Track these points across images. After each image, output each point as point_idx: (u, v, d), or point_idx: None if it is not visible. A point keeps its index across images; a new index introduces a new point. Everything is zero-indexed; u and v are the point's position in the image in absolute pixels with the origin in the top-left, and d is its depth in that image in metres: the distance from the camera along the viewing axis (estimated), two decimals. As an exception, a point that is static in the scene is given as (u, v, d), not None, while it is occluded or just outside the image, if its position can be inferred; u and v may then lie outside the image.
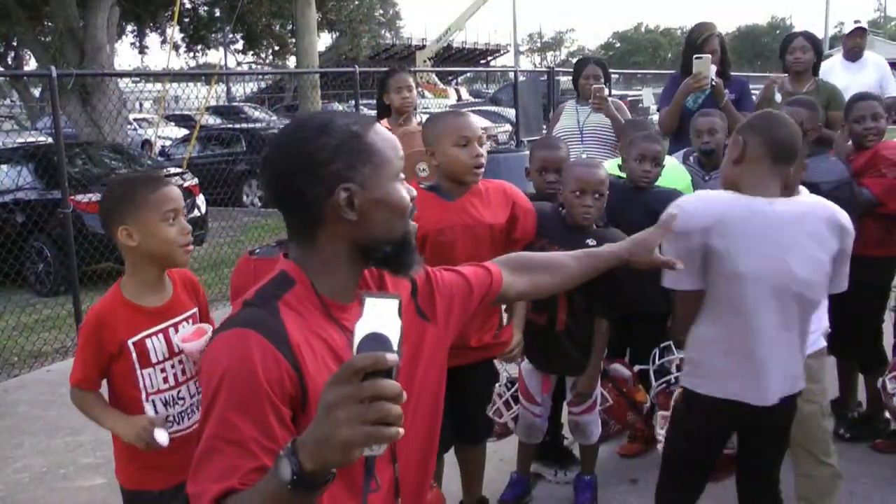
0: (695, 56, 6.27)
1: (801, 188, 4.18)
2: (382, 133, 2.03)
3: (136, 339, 3.10)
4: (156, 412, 3.14)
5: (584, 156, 6.27)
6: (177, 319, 3.22)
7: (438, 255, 3.72)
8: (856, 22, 8.91)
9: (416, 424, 2.16)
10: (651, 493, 3.71)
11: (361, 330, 1.52)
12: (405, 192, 2.05)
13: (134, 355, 3.10)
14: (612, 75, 7.40)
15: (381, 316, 1.54)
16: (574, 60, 7.96)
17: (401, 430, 1.49)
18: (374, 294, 1.59)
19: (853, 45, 8.62)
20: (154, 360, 3.14)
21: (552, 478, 5.17)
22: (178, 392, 3.21)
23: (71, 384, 3.15)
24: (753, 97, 7.08)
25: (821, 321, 4.17)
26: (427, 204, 3.80)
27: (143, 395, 3.14)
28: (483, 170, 3.91)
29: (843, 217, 3.34)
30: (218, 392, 1.79)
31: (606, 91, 6.55)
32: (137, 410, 3.12)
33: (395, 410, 1.48)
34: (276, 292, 1.96)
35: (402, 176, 2.06)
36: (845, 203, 4.53)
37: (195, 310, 3.32)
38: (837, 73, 8.22)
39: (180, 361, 3.21)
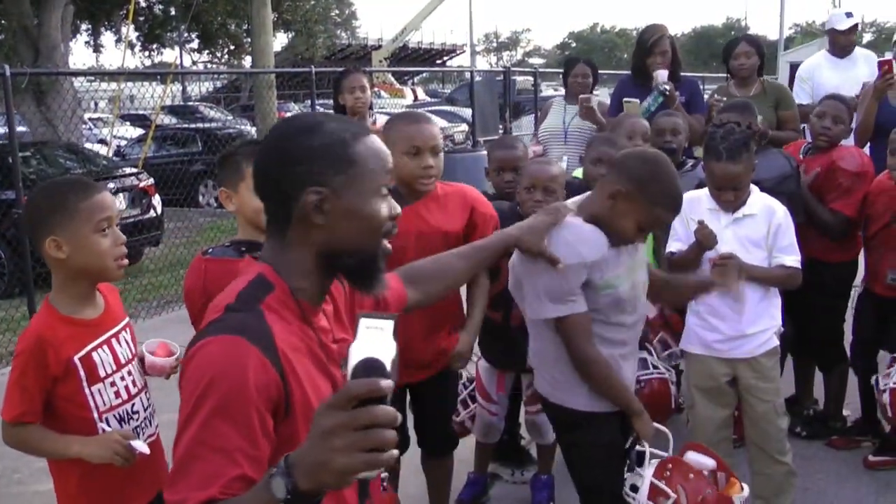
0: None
1: (753, 187, 4.23)
2: (373, 145, 2.01)
3: (82, 354, 2.87)
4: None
5: (565, 156, 6.30)
6: (116, 329, 3.03)
7: (388, 261, 3.63)
8: (848, 15, 7.85)
9: None
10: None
11: (356, 354, 1.50)
12: (384, 209, 2.03)
13: (81, 372, 2.87)
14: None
15: (375, 338, 1.53)
16: (530, 60, 8.02)
17: (395, 454, 1.49)
18: (369, 315, 1.58)
19: (845, 42, 7.85)
20: (102, 374, 2.93)
21: (509, 477, 5.20)
22: (132, 406, 3.02)
23: (8, 421, 2.84)
24: (706, 96, 7.10)
25: (773, 320, 4.21)
26: None
27: (96, 415, 2.91)
28: (433, 179, 3.75)
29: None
30: (204, 398, 1.76)
31: (594, 99, 6.60)
32: (92, 433, 2.90)
33: (390, 436, 1.47)
34: (259, 296, 1.93)
35: (385, 192, 2.03)
36: (790, 196, 4.57)
37: (128, 319, 3.14)
38: (825, 70, 7.87)
39: (129, 373, 3.03)
